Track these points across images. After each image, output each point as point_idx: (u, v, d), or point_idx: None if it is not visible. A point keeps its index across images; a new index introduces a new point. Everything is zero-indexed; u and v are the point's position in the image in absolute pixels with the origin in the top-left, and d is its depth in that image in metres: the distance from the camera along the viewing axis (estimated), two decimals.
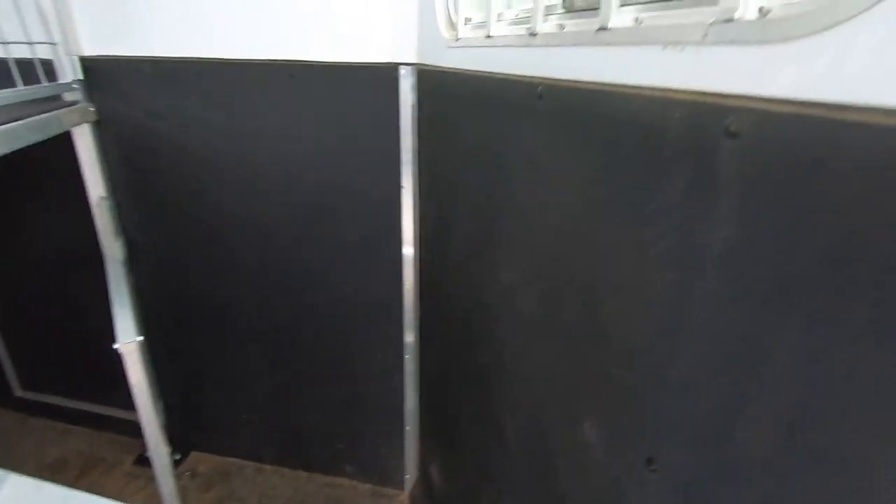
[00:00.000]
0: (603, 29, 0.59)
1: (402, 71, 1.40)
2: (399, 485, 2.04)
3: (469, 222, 1.17)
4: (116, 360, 1.88)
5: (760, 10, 0.41)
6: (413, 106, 1.44)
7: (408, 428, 1.92)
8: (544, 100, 0.73)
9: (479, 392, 1.22)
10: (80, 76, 1.54)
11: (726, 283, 0.44)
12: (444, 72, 1.19)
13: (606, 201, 0.62)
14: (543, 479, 0.87)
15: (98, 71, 1.55)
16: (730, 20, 0.43)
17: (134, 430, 2.12)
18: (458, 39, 1.12)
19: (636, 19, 0.57)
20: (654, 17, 0.55)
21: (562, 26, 0.72)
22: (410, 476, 2.02)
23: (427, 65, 1.33)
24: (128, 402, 2.04)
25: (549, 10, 0.76)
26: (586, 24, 0.66)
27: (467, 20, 1.11)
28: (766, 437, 0.42)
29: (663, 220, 0.51)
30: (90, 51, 1.53)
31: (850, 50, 0.34)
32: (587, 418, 0.70)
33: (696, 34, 0.46)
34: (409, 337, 1.76)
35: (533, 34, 0.76)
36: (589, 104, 0.63)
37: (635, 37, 0.55)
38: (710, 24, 0.45)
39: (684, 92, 0.47)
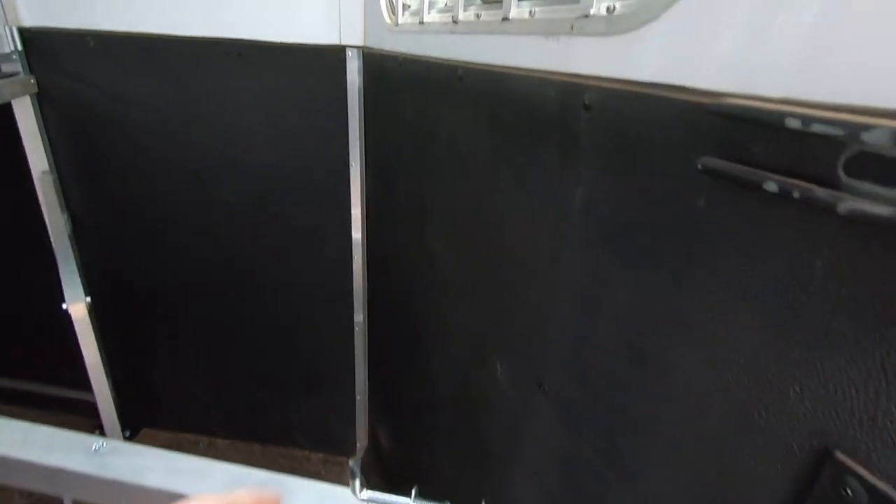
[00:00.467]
0: (506, 19, 0.69)
1: (350, 53, 1.46)
2: (351, 452, 2.13)
3: (406, 198, 1.26)
4: (62, 336, 1.88)
5: (608, 8, 0.52)
6: (359, 87, 1.50)
7: (358, 398, 2.01)
8: (463, 81, 0.82)
9: (417, 357, 1.32)
10: (20, 47, 1.52)
11: (584, 232, 0.55)
12: (386, 55, 1.27)
13: (505, 170, 0.72)
14: (468, 419, 0.98)
15: (39, 42, 1.53)
16: (587, 16, 0.53)
17: (82, 408, 2.12)
18: (397, 25, 1.19)
19: (531, 12, 0.67)
20: (542, 11, 0.65)
21: (478, 15, 0.81)
22: (361, 444, 2.12)
23: (372, 48, 1.40)
24: (75, 380, 2.04)
25: (469, 1, 0.85)
26: (495, 14, 0.75)
27: (406, 7, 1.19)
28: (614, 356, 0.54)
29: (544, 183, 0.62)
30: (30, 21, 1.51)
31: (656, 41, 0.45)
32: (497, 359, 0.81)
33: (566, 26, 0.56)
34: (359, 316, 1.84)
35: (455, 22, 0.85)
36: (496, 85, 0.73)
37: (528, 27, 0.65)
38: (575, 19, 0.55)
39: (557, 73, 0.58)
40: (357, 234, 1.69)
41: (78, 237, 1.79)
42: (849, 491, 0.31)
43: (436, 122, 0.98)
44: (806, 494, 0.34)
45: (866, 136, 0.27)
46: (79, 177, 1.74)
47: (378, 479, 1.91)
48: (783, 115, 0.31)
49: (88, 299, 1.83)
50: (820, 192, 0.29)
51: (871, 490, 0.30)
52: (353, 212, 1.65)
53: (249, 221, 1.76)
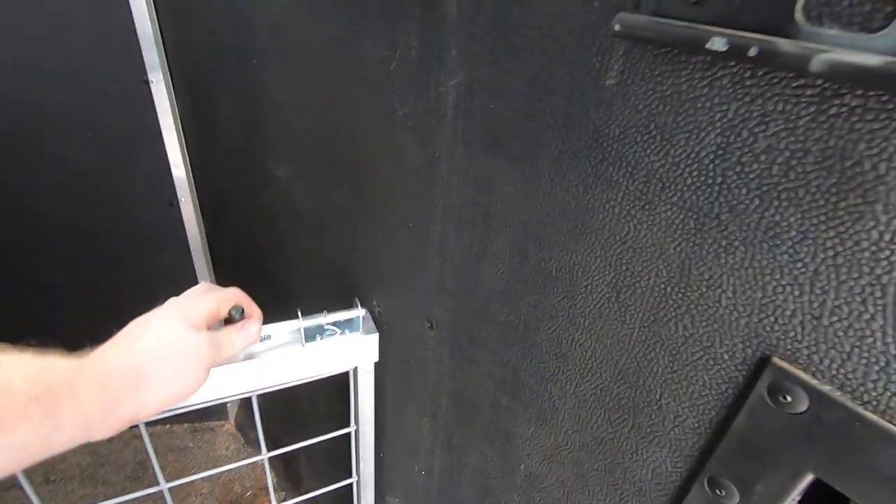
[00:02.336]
0: None
1: None
2: (222, 415, 1.94)
3: (233, 118, 1.03)
4: None
5: None
6: None
7: None
8: None
9: (275, 312, 1.16)
10: None
11: (464, 132, 0.45)
12: None
13: (354, 63, 0.57)
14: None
15: None
16: None
17: None
18: None
19: None
20: None
21: None
22: (232, 404, 1.93)
23: None
24: None
25: None
26: None
27: None
28: (501, 269, 0.46)
29: (407, 75, 0.49)
30: None
31: None
32: (373, 298, 0.70)
33: None
34: (201, 264, 1.57)
35: None
36: None
37: None
38: None
39: None
40: (179, 170, 1.38)
41: None
42: (787, 397, 0.28)
43: (255, 9, 0.76)
44: (738, 405, 0.31)
45: None
46: None
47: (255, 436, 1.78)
48: None
49: None
50: (787, 45, 0.22)
51: (813, 392, 0.27)
52: (166, 142, 1.33)
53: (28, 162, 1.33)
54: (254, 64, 0.82)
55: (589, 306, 0.39)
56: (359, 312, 0.65)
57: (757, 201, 0.27)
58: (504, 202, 0.43)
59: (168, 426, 1.90)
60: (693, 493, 0.35)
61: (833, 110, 0.23)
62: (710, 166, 0.28)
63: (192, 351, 0.48)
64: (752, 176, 0.27)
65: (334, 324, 0.66)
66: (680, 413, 0.35)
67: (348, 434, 0.82)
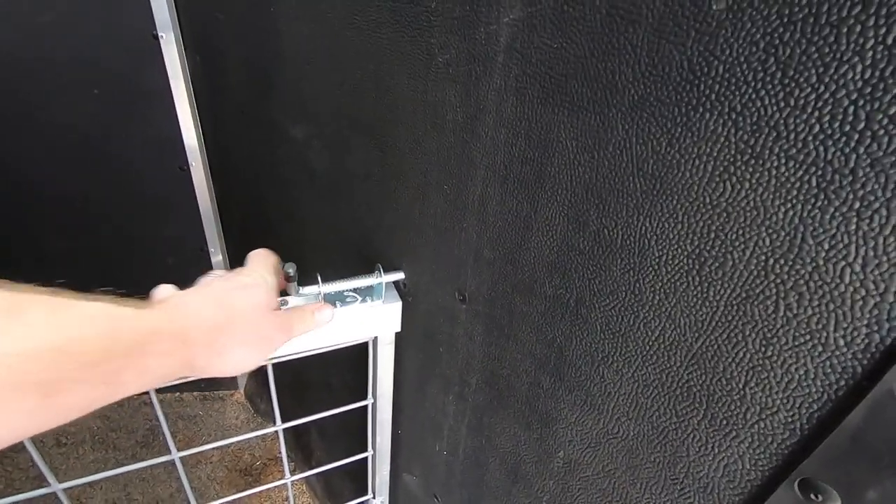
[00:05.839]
0: None
1: None
2: (231, 385, 1.93)
3: (247, 72, 0.97)
4: None
5: None
6: None
7: None
8: None
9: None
10: None
11: (512, 77, 0.39)
12: None
13: (384, 9, 0.51)
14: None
15: None
16: None
17: None
18: None
19: None
20: None
21: None
22: (242, 374, 1.92)
23: None
24: None
25: None
26: None
27: None
28: (553, 237, 0.41)
29: (449, 13, 0.43)
30: None
31: None
32: (400, 267, 0.65)
33: None
34: (211, 230, 1.53)
35: None
36: None
37: None
38: None
39: None
40: (189, 132, 1.32)
41: None
42: None
43: None
44: (854, 399, 0.26)
45: None
46: None
47: (267, 407, 1.76)
48: None
49: None
50: None
51: None
52: (177, 103, 1.27)
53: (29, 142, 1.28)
54: (270, 11, 0.76)
55: (661, 280, 0.34)
56: (381, 279, 0.61)
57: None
58: (562, 160, 0.38)
59: (178, 394, 1.90)
60: (779, 495, 0.31)
61: None
62: (851, 108, 0.23)
63: (272, 333, 0.48)
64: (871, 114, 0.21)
65: (355, 291, 0.62)
66: (769, 405, 0.30)
67: (362, 408, 0.78)
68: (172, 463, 0.68)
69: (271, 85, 0.87)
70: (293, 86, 0.80)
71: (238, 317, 0.44)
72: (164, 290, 0.44)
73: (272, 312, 0.48)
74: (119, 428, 1.74)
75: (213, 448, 1.73)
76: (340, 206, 0.78)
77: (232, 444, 1.76)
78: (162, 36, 1.16)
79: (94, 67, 1.21)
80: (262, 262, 0.51)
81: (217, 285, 0.45)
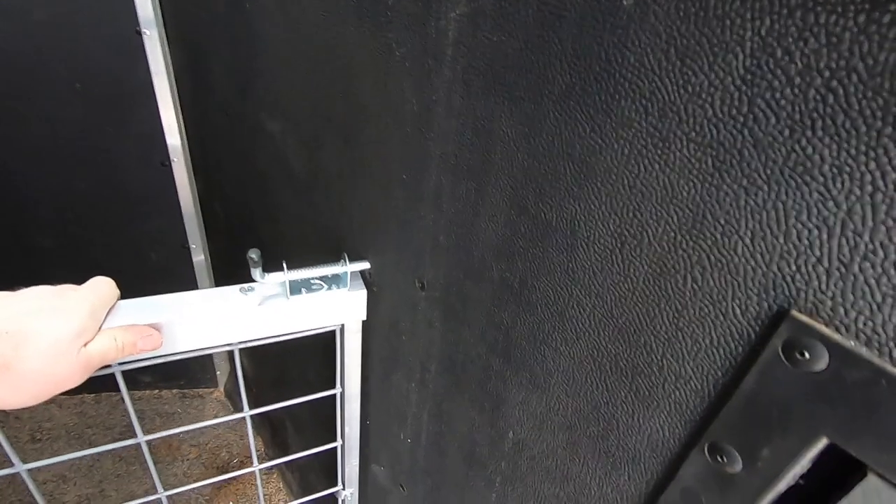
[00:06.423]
0: None
1: None
2: (211, 383, 1.93)
3: (224, 68, 0.98)
4: None
5: None
6: None
7: None
8: None
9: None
10: None
11: (459, 70, 0.41)
12: None
13: (350, 5, 0.53)
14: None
15: None
16: None
17: None
18: None
19: None
20: None
21: None
22: (222, 372, 1.92)
23: None
24: None
25: None
26: None
27: None
28: (498, 222, 0.43)
29: (404, 9, 0.45)
30: None
31: None
32: (365, 258, 0.67)
33: None
34: (193, 227, 1.54)
35: None
36: None
37: None
38: None
39: None
40: (172, 128, 1.34)
41: None
42: (805, 354, 0.25)
43: None
44: (748, 364, 0.28)
45: None
46: None
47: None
48: None
49: None
50: None
51: (835, 348, 0.24)
52: (159, 99, 1.28)
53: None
54: (247, 8, 0.78)
55: (589, 260, 0.36)
56: (346, 268, 0.63)
57: (787, 132, 0.24)
58: (504, 148, 0.40)
59: (157, 391, 1.89)
60: (691, 460, 0.33)
61: (887, 18, 0.20)
62: (736, 94, 0.25)
63: (63, 376, 0.44)
64: (783, 103, 0.24)
65: (321, 279, 0.63)
66: (682, 374, 0.32)
67: (335, 401, 0.80)
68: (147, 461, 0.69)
69: (250, 82, 0.89)
70: (270, 83, 0.82)
71: (23, 354, 0.41)
72: None
73: (73, 350, 0.44)
74: (95, 424, 1.73)
75: (190, 445, 1.73)
76: (315, 201, 0.80)
77: (208, 440, 1.75)
78: (146, 32, 1.18)
79: (76, 63, 1.22)
80: (96, 289, 0.49)
81: (18, 306, 0.43)
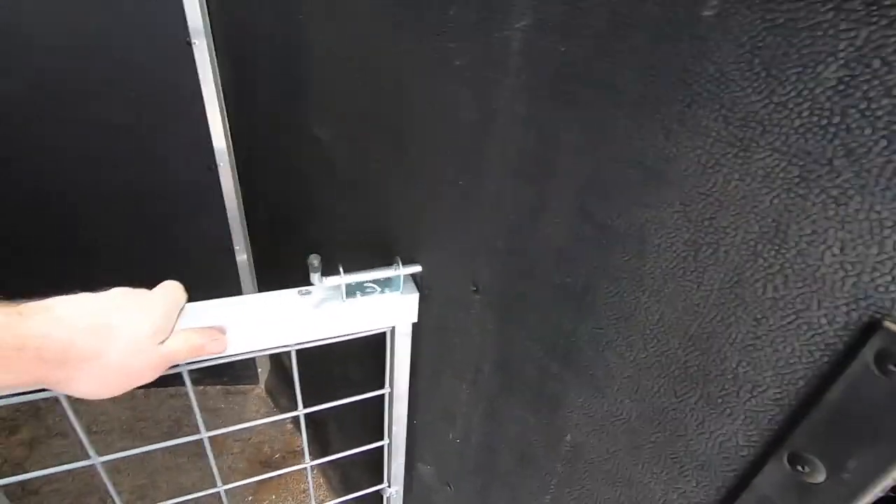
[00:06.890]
0: None
1: None
2: (253, 379, 1.99)
3: (275, 76, 1.01)
4: None
5: None
6: None
7: None
8: None
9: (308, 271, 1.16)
10: None
11: (523, 79, 0.42)
12: None
13: (410, 10, 0.54)
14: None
15: None
16: None
17: None
18: None
19: None
20: None
21: None
22: (263, 369, 1.98)
23: None
24: None
25: None
26: None
27: None
28: (561, 227, 0.43)
29: (466, 20, 0.46)
30: None
31: None
32: (416, 261, 0.69)
33: None
34: (237, 229, 1.59)
35: None
36: None
37: None
38: None
39: None
40: (218, 133, 1.38)
41: None
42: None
43: None
44: (836, 374, 0.28)
45: None
46: None
47: (286, 401, 1.81)
48: None
49: None
50: None
51: None
52: (207, 105, 1.33)
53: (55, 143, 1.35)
54: (298, 20, 0.80)
55: (660, 267, 0.36)
56: (399, 271, 0.64)
57: (884, 143, 0.24)
58: (569, 155, 0.40)
59: (202, 388, 1.96)
60: (769, 469, 0.33)
61: None
62: (827, 104, 0.25)
63: (140, 371, 0.47)
64: (880, 113, 0.24)
65: (374, 282, 0.65)
66: (760, 383, 0.32)
67: (380, 399, 0.81)
68: (196, 453, 0.73)
69: (298, 88, 0.91)
70: (319, 88, 0.84)
71: (109, 347, 0.44)
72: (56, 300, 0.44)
73: (151, 347, 0.47)
74: (146, 418, 1.81)
75: (234, 439, 1.79)
76: (362, 204, 0.82)
77: (251, 435, 1.81)
78: (195, 43, 1.22)
79: (131, 71, 1.27)
80: (169, 291, 0.52)
81: (105, 302, 0.45)
